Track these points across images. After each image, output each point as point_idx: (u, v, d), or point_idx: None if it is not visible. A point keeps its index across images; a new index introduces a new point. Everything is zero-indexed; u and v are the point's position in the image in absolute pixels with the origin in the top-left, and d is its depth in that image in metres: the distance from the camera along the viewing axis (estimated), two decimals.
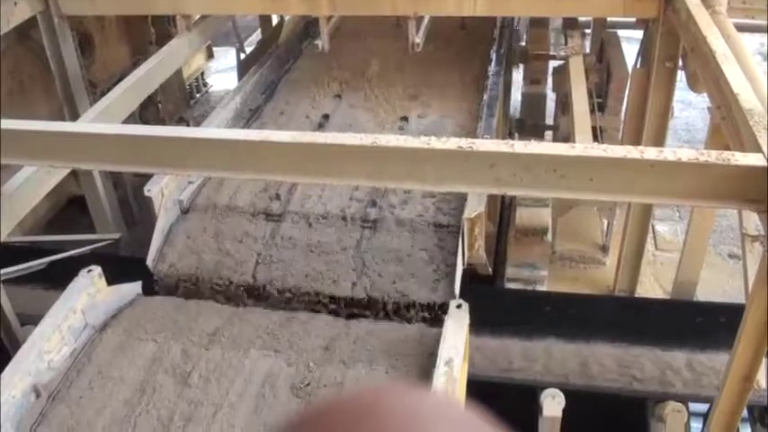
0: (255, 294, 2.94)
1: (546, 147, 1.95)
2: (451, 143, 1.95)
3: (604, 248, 4.75)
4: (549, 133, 5.72)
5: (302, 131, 2.87)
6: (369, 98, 4.26)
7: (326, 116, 4.10)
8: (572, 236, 4.66)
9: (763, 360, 2.52)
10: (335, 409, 0.60)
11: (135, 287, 2.84)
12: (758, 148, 2.18)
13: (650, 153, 1.93)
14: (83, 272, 2.66)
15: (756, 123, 2.32)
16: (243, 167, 2.35)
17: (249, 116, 4.10)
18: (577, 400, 3.02)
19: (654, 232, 5.30)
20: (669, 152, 1.97)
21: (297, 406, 2.30)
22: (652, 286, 4.71)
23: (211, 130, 2.88)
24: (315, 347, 2.52)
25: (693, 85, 3.53)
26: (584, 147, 1.91)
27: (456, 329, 2.23)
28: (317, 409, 0.61)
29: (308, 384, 2.36)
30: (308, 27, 5.11)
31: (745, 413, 3.39)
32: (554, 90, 5.46)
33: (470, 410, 0.62)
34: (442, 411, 0.60)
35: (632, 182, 1.95)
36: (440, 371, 2.08)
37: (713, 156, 2.05)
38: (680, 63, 3.54)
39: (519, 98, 6.10)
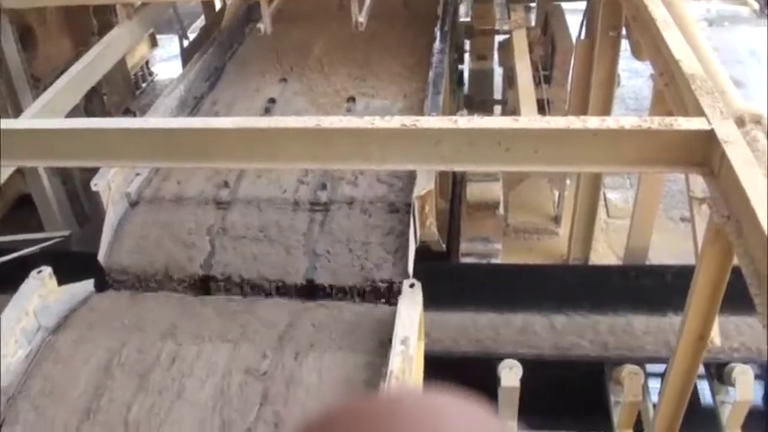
0: (209, 284, 2.90)
1: (489, 121, 1.95)
2: (395, 122, 1.95)
3: (557, 219, 4.81)
4: (498, 108, 5.74)
5: (247, 117, 2.84)
6: (315, 80, 4.22)
7: (273, 100, 4.05)
8: (524, 208, 4.71)
9: (716, 318, 2.58)
10: (353, 413, 0.60)
11: (87, 285, 2.79)
12: (701, 113, 2.21)
13: (593, 122, 1.95)
14: (33, 273, 2.61)
15: (699, 88, 2.35)
16: (187, 156, 2.32)
17: (194, 104, 4.04)
18: (536, 369, 3.07)
19: (605, 200, 5.37)
20: (612, 121, 1.99)
21: (254, 394, 2.29)
22: (606, 253, 4.78)
23: (154, 120, 2.83)
24: (271, 334, 2.51)
25: (637, 53, 3.57)
26: (527, 119, 1.92)
27: (410, 308, 2.23)
28: (335, 412, 0.61)
29: (266, 372, 2.35)
30: (251, 11, 5.04)
31: (703, 371, 3.48)
32: (500, 65, 5.48)
33: (487, 412, 0.62)
34: (461, 413, 0.60)
35: (576, 152, 1.97)
36: (396, 350, 2.08)
37: (656, 122, 2.07)
38: (624, 32, 3.57)
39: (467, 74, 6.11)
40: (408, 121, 1.95)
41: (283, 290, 2.82)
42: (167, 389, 2.33)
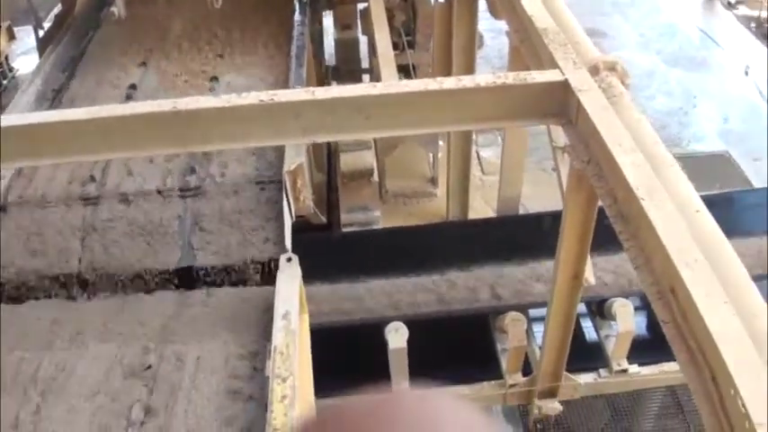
0: (85, 285, 2.80)
1: (347, 90, 1.95)
2: (252, 97, 1.92)
3: (433, 180, 4.89)
4: (367, 77, 5.75)
5: (105, 105, 2.73)
6: (175, 62, 4.10)
7: (133, 86, 3.91)
8: (401, 173, 4.75)
9: (588, 258, 2.69)
10: (351, 413, 0.58)
11: None
12: (555, 65, 2.28)
13: (449, 83, 1.97)
14: None
15: (551, 41, 2.42)
16: (43, 152, 2.23)
17: (53, 97, 3.86)
18: (423, 328, 3.12)
19: (479, 158, 5.49)
20: (468, 80, 2.02)
21: (140, 392, 2.24)
22: (483, 209, 4.90)
23: (5, 118, 2.69)
24: (152, 328, 2.45)
25: (494, 12, 3.63)
26: (384, 85, 1.93)
27: (289, 282, 2.22)
28: (332, 413, 0.59)
29: (149, 367, 2.30)
30: None
31: (584, 309, 3.64)
32: (363, 33, 5.48)
33: (481, 414, 0.62)
34: (456, 414, 0.59)
35: (436, 113, 1.99)
36: (277, 325, 2.07)
37: (511, 77, 2.13)
38: None
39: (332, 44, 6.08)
40: (266, 96, 1.92)
41: (162, 280, 2.75)
42: (52, 396, 2.25)
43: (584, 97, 2.06)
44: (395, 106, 1.94)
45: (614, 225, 1.92)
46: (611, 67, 2.32)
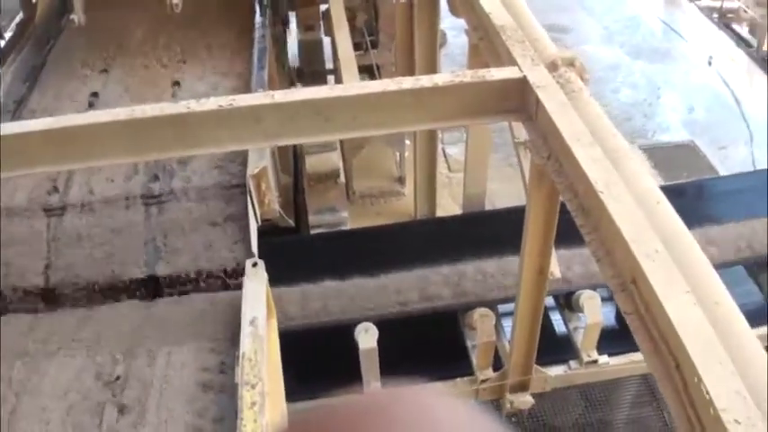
0: (51, 297, 2.77)
1: (306, 92, 1.95)
2: (211, 103, 1.91)
3: (401, 179, 4.89)
4: (332, 78, 5.74)
5: (65, 116, 2.70)
6: (137, 68, 4.06)
7: (95, 94, 3.88)
8: (368, 173, 4.76)
9: (553, 252, 2.71)
10: (347, 411, 0.58)
11: None
12: (513, 62, 2.30)
13: (407, 83, 1.98)
14: None
15: (509, 38, 2.44)
16: (4, 165, 2.19)
17: (15, 108, 3.80)
18: (393, 328, 3.13)
19: (445, 155, 5.51)
20: (426, 79, 2.03)
21: (110, 402, 2.23)
22: (451, 206, 4.91)
23: None
24: (120, 338, 2.44)
25: (453, 10, 3.65)
26: (342, 87, 1.93)
27: (255, 287, 2.21)
28: (327, 411, 0.59)
29: (118, 378, 2.28)
30: (66, 1, 4.77)
31: (552, 302, 3.67)
32: (326, 34, 5.47)
33: (481, 413, 0.61)
34: (454, 414, 0.59)
35: (395, 114, 2.00)
36: (245, 332, 2.06)
37: (469, 76, 2.14)
38: None
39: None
40: (225, 101, 1.91)
41: (129, 289, 2.73)
42: (21, 409, 2.23)
43: (542, 93, 2.08)
44: (354, 108, 1.94)
45: (575, 219, 1.94)
46: (570, 63, 2.34)
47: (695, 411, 1.54)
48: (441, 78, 2.04)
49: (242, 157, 2.91)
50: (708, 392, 1.45)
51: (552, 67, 2.30)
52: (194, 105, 1.92)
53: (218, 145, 2.02)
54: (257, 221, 2.72)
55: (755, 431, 1.39)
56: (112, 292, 2.74)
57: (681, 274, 1.67)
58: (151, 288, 2.71)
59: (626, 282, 1.75)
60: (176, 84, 3.81)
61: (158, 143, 2.00)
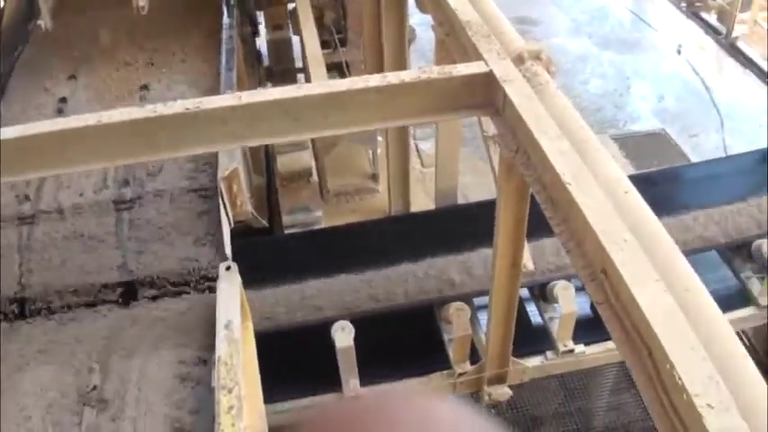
0: (26, 307, 2.75)
1: (273, 92, 1.94)
2: (178, 106, 1.90)
3: (374, 176, 4.90)
4: (302, 77, 5.72)
5: (32, 123, 2.68)
6: (105, 72, 4.03)
7: (64, 100, 3.84)
8: (342, 171, 4.76)
9: (526, 245, 2.73)
10: (348, 413, 0.58)
11: None
12: (480, 56, 2.31)
13: (375, 80, 1.98)
14: None
15: (475, 33, 2.45)
16: None
17: None
18: (371, 325, 3.13)
19: (418, 151, 5.52)
20: (392, 76, 2.04)
21: (89, 413, 2.21)
22: (425, 202, 4.93)
23: None
24: (95, 346, 2.42)
25: (420, 6, 3.65)
26: (310, 86, 1.93)
27: (229, 291, 2.20)
28: (330, 413, 0.59)
29: (95, 388, 2.27)
30: (33, 5, 4.71)
31: (527, 294, 3.69)
32: (294, 33, 5.45)
33: (481, 416, 0.62)
34: (453, 417, 0.59)
35: (364, 111, 2.00)
36: (220, 336, 2.06)
37: (436, 72, 2.14)
38: None
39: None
40: (191, 104, 1.91)
41: (103, 296, 2.71)
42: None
43: (509, 87, 2.09)
44: (322, 107, 1.94)
45: (544, 211, 1.95)
46: (536, 56, 2.35)
47: (668, 398, 1.56)
48: (407, 75, 2.04)
49: (213, 160, 2.90)
50: (680, 378, 1.47)
51: (519, 60, 2.32)
52: (161, 109, 1.91)
53: (187, 148, 2.01)
54: (230, 223, 2.71)
55: (728, 415, 1.41)
56: (87, 298, 2.72)
57: (650, 262, 1.69)
58: (126, 293, 2.70)
59: (596, 272, 1.77)
60: (145, 87, 3.79)
61: (126, 148, 1.99)
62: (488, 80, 2.19)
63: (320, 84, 1.96)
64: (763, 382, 1.48)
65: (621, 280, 1.63)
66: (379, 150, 4.79)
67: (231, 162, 2.67)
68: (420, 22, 6.61)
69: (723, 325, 1.61)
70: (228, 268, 2.27)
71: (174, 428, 2.12)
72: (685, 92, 9.31)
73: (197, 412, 2.13)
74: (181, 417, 2.15)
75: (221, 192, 2.65)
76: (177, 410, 2.16)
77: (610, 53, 10.06)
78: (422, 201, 4.91)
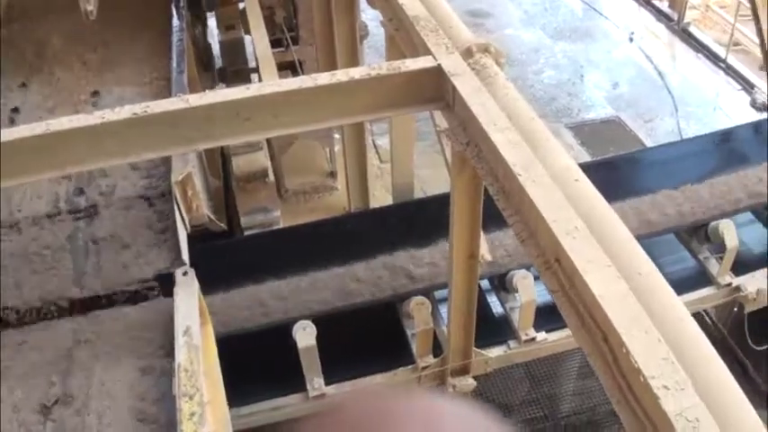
0: None
1: (222, 94, 1.93)
2: (126, 111, 1.88)
3: (333, 174, 4.89)
4: (256, 76, 5.69)
5: None
6: (56, 79, 3.97)
7: (16, 110, 3.77)
8: (299, 170, 4.75)
9: (482, 235, 2.74)
10: (354, 412, 0.58)
11: None
12: (428, 51, 2.32)
13: (323, 78, 1.98)
14: None
15: (423, 28, 2.45)
16: None
17: None
18: (334, 324, 3.13)
19: (375, 147, 5.53)
20: (341, 74, 2.04)
21: (52, 428, 2.19)
22: (385, 197, 4.93)
23: None
24: (55, 360, 2.38)
25: (369, 1, 3.65)
26: (258, 86, 1.92)
27: (186, 297, 2.19)
28: (335, 412, 0.59)
29: (57, 401, 2.24)
30: None
31: (488, 285, 3.72)
32: (246, 33, 5.42)
33: (485, 412, 0.61)
34: (456, 414, 0.59)
35: (314, 110, 2.00)
36: (179, 342, 2.04)
37: (385, 68, 2.15)
38: None
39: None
40: (139, 109, 1.89)
41: (62, 308, 2.67)
42: None
43: (457, 81, 2.10)
44: (272, 106, 1.93)
45: (497, 202, 1.97)
46: (485, 49, 2.36)
47: (626, 381, 1.58)
48: (357, 72, 2.04)
49: (166, 164, 2.87)
50: (636, 362, 1.49)
51: (467, 54, 2.33)
52: (109, 115, 1.89)
53: (137, 153, 1.99)
54: (186, 228, 2.69)
55: (684, 395, 1.43)
56: (45, 314, 2.68)
57: (602, 248, 1.71)
58: (82, 305, 2.66)
59: (550, 261, 1.79)
60: (96, 93, 3.74)
61: (76, 156, 1.97)
62: (437, 74, 2.20)
63: (269, 84, 1.96)
64: (720, 361, 1.51)
65: (574, 267, 1.66)
66: (336, 148, 4.78)
67: (185, 166, 2.65)
68: (374, 18, 6.62)
69: (677, 306, 1.64)
70: (185, 273, 2.26)
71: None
72: (639, 78, 9.44)
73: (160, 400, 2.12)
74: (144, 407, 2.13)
75: (176, 197, 2.62)
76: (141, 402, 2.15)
77: (563, 43, 10.16)
78: (381, 196, 4.91)
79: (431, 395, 0.66)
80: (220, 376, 2.26)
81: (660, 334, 1.54)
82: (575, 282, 1.70)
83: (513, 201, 1.89)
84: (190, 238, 2.68)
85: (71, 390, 2.27)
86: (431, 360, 3.33)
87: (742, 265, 4.08)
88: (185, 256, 2.56)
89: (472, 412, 0.65)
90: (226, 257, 3.16)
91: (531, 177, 1.80)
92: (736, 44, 9.11)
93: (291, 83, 1.95)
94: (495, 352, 3.48)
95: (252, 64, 5.73)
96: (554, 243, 1.73)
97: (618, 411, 1.62)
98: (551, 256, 1.78)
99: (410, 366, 3.37)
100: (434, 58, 2.23)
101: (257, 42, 3.57)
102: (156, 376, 2.26)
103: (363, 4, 3.86)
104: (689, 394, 1.43)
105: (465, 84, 2.12)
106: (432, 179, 4.73)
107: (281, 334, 3.06)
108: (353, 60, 3.75)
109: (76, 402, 2.24)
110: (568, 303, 1.77)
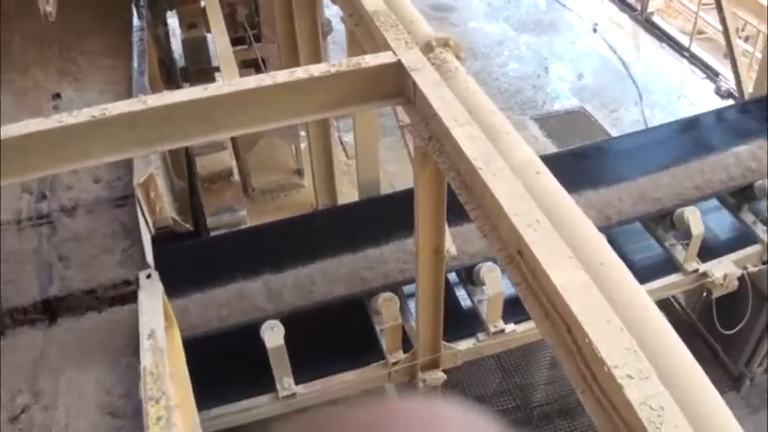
0: None
1: (180, 94, 1.91)
2: (83, 115, 1.86)
3: (299, 172, 4.88)
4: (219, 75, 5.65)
5: None
6: (16, 82, 3.91)
7: None
8: (265, 168, 4.73)
9: (447, 230, 2.75)
10: (355, 421, 0.57)
11: None
12: (388, 46, 2.31)
13: (282, 76, 1.97)
14: None
15: (383, 23, 2.45)
16: None
17: None
18: (303, 323, 3.12)
19: (342, 143, 5.51)
20: (301, 71, 2.02)
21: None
22: (352, 193, 4.93)
23: None
24: (21, 370, 2.35)
25: None
26: (217, 86, 1.91)
27: (151, 300, 2.17)
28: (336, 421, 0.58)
29: (24, 411, 2.21)
30: None
31: (456, 278, 3.73)
32: (208, 31, 5.38)
33: (483, 416, 0.61)
34: (456, 419, 0.59)
35: (274, 108, 1.99)
36: (144, 346, 2.02)
37: (345, 64, 2.14)
38: None
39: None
40: (97, 111, 1.86)
41: (27, 316, 2.64)
42: None
43: (417, 76, 2.10)
44: (231, 106, 1.92)
45: (459, 197, 1.97)
46: (445, 44, 2.36)
47: (590, 371, 1.59)
48: (317, 69, 2.03)
49: (128, 167, 2.84)
50: (599, 351, 1.50)
51: (427, 48, 2.33)
52: (66, 118, 1.86)
53: (97, 157, 1.97)
54: (150, 231, 2.66)
55: (648, 384, 1.44)
56: (10, 320, 2.64)
57: (564, 240, 1.72)
58: (47, 312, 2.63)
59: (512, 253, 1.80)
60: (57, 96, 3.69)
61: (33, 161, 1.93)
62: (397, 70, 2.20)
63: (227, 83, 1.94)
64: (684, 348, 1.52)
65: (535, 260, 1.66)
66: (302, 145, 4.76)
67: (147, 167, 2.62)
68: (337, 14, 6.59)
69: (640, 295, 1.65)
70: (149, 276, 2.23)
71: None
72: (603, 69, 9.52)
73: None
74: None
75: (138, 199, 2.59)
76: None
77: (527, 35, 10.21)
78: (349, 192, 4.91)
79: (431, 399, 0.67)
80: (188, 379, 2.24)
81: (623, 323, 1.55)
82: (537, 274, 1.71)
83: (475, 195, 1.89)
84: (155, 240, 2.66)
85: (40, 395, 2.24)
86: (401, 355, 3.33)
87: (708, 252, 4.13)
88: (149, 258, 2.54)
89: (472, 416, 0.65)
90: (192, 259, 3.14)
91: (491, 171, 1.81)
92: (700, 33, 9.21)
93: (250, 81, 1.94)
94: (465, 345, 3.50)
95: (216, 63, 5.69)
96: (516, 236, 1.73)
97: (583, 401, 1.63)
98: (513, 248, 1.79)
99: (380, 362, 3.38)
100: (394, 53, 2.23)
101: (217, 40, 3.54)
102: (122, 373, 2.24)
103: (326, 1, 3.85)
104: (653, 383, 1.44)
105: (425, 79, 2.12)
106: (400, 174, 4.74)
107: (249, 334, 3.05)
108: (316, 57, 3.74)
109: (44, 399, 2.21)
110: (532, 295, 1.78)
